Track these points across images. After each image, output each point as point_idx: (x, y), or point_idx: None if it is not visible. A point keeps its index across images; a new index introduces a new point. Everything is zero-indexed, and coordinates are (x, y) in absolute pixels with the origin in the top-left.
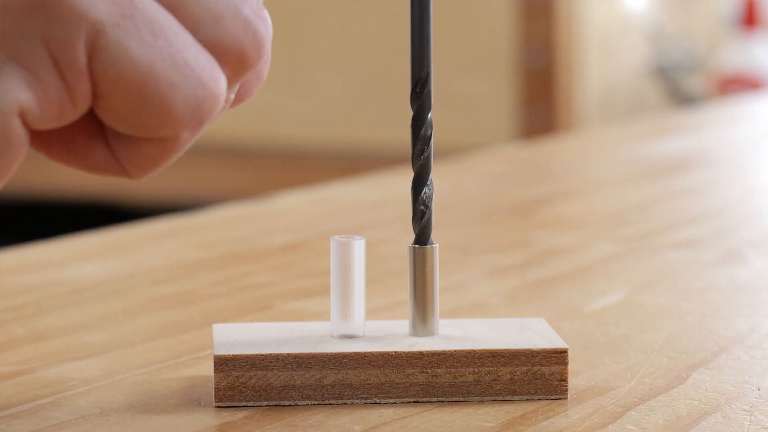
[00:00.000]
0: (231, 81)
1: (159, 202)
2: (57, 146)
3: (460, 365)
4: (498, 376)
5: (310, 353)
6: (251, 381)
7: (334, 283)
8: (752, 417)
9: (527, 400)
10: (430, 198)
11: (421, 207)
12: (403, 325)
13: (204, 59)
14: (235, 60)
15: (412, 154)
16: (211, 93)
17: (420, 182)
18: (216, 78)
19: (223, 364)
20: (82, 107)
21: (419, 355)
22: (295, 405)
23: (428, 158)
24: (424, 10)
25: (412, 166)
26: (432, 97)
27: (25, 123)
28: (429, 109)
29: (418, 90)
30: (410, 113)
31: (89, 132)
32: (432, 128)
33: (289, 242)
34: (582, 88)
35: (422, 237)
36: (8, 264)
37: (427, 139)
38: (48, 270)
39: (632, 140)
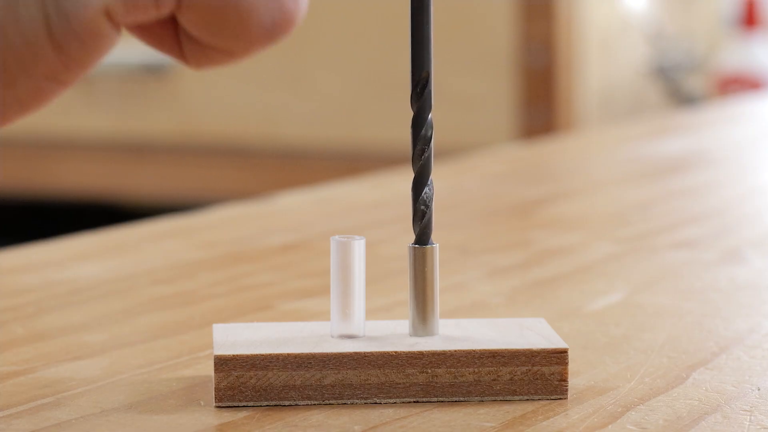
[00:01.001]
0: None
1: (159, 202)
2: None
3: (460, 365)
4: (498, 376)
5: (310, 353)
6: (251, 381)
7: (334, 283)
8: (752, 417)
9: (527, 400)
10: (431, 198)
11: (422, 207)
12: (403, 325)
13: None
14: None
15: (413, 154)
16: (288, 17)
17: (420, 183)
18: (296, 1)
19: (223, 364)
20: (166, 12)
21: (419, 355)
22: (295, 405)
23: (429, 159)
24: (425, 11)
25: (413, 167)
26: (432, 98)
27: (111, 20)
28: (429, 110)
29: (418, 90)
30: (410, 113)
31: (164, 20)
32: (432, 129)
33: (289, 242)
34: (582, 88)
35: (423, 237)
36: (8, 264)
37: (428, 140)
38: (48, 270)
39: (632, 140)
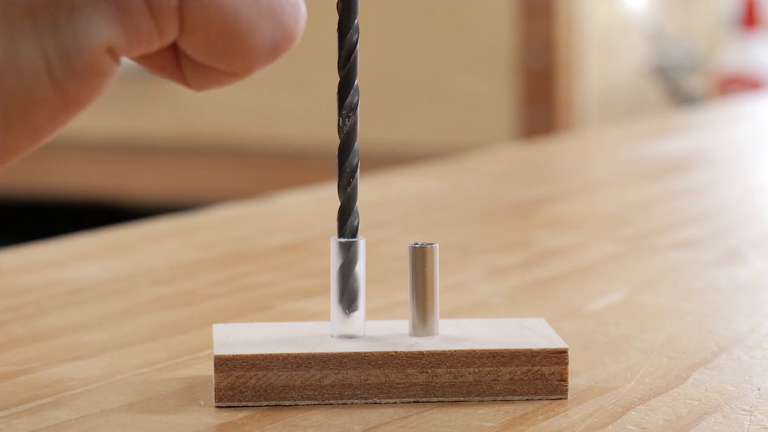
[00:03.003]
0: None
1: (159, 202)
2: None
3: (460, 365)
4: (498, 376)
5: (310, 353)
6: (251, 381)
7: (333, 284)
8: (752, 417)
9: (527, 400)
10: (357, 166)
11: (348, 177)
12: (403, 325)
13: None
14: None
15: (339, 121)
16: (289, 34)
17: (346, 149)
18: (296, 17)
19: (223, 364)
20: (168, 41)
21: (419, 355)
22: (296, 405)
23: (354, 125)
24: None
25: (338, 134)
26: (358, 64)
27: (113, 56)
28: (355, 76)
29: (344, 55)
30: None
31: (163, 48)
32: (359, 95)
33: (289, 242)
34: (582, 88)
35: (348, 206)
36: (8, 264)
37: (354, 107)
38: (48, 270)
39: (632, 140)
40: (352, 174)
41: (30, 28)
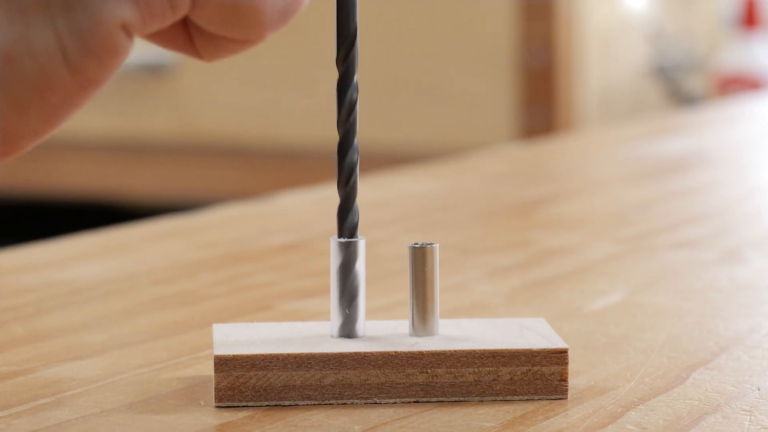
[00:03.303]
0: None
1: (159, 202)
2: None
3: (460, 365)
4: (498, 376)
5: (310, 353)
6: (251, 381)
7: (333, 283)
8: (752, 417)
9: (527, 400)
10: (356, 163)
11: (347, 172)
12: (403, 325)
13: None
14: None
15: (338, 118)
16: None
17: (346, 145)
18: None
19: (223, 364)
20: (181, 15)
21: (419, 355)
22: (296, 405)
23: (354, 122)
24: None
25: (338, 130)
26: (357, 59)
27: (127, 33)
28: (355, 72)
29: (344, 52)
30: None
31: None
32: (357, 92)
33: (289, 242)
34: (582, 88)
35: (348, 202)
36: (8, 264)
37: (353, 104)
38: (48, 270)
39: (632, 140)
40: (352, 170)
41: (42, 10)
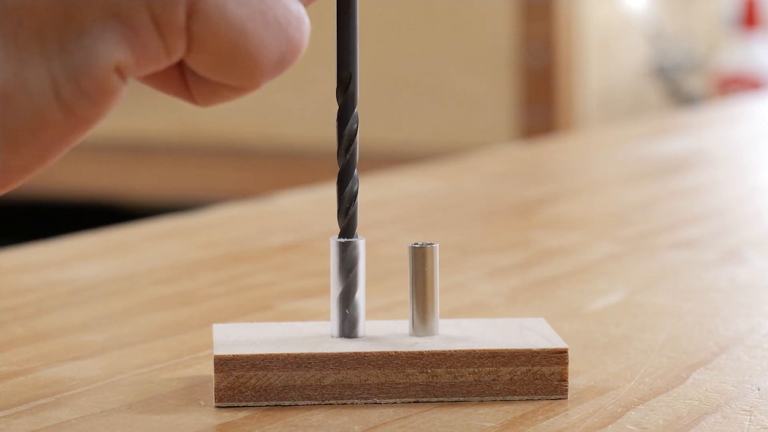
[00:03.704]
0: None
1: (159, 202)
2: None
3: (460, 365)
4: (498, 376)
5: (310, 353)
6: (251, 381)
7: (333, 283)
8: (752, 417)
9: (527, 400)
10: (356, 193)
11: (346, 204)
12: (403, 325)
13: (292, 8)
14: None
15: (338, 149)
16: (295, 47)
17: (346, 177)
18: (301, 29)
19: (223, 364)
20: (175, 59)
21: (419, 355)
22: (295, 405)
23: (354, 154)
24: (351, 11)
25: (338, 161)
26: (357, 95)
27: (121, 75)
28: (354, 106)
29: (343, 87)
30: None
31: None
32: (358, 123)
33: (289, 242)
34: (582, 88)
35: (348, 230)
36: (8, 264)
37: (353, 135)
38: (48, 270)
39: (632, 140)
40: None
41: (38, 50)
